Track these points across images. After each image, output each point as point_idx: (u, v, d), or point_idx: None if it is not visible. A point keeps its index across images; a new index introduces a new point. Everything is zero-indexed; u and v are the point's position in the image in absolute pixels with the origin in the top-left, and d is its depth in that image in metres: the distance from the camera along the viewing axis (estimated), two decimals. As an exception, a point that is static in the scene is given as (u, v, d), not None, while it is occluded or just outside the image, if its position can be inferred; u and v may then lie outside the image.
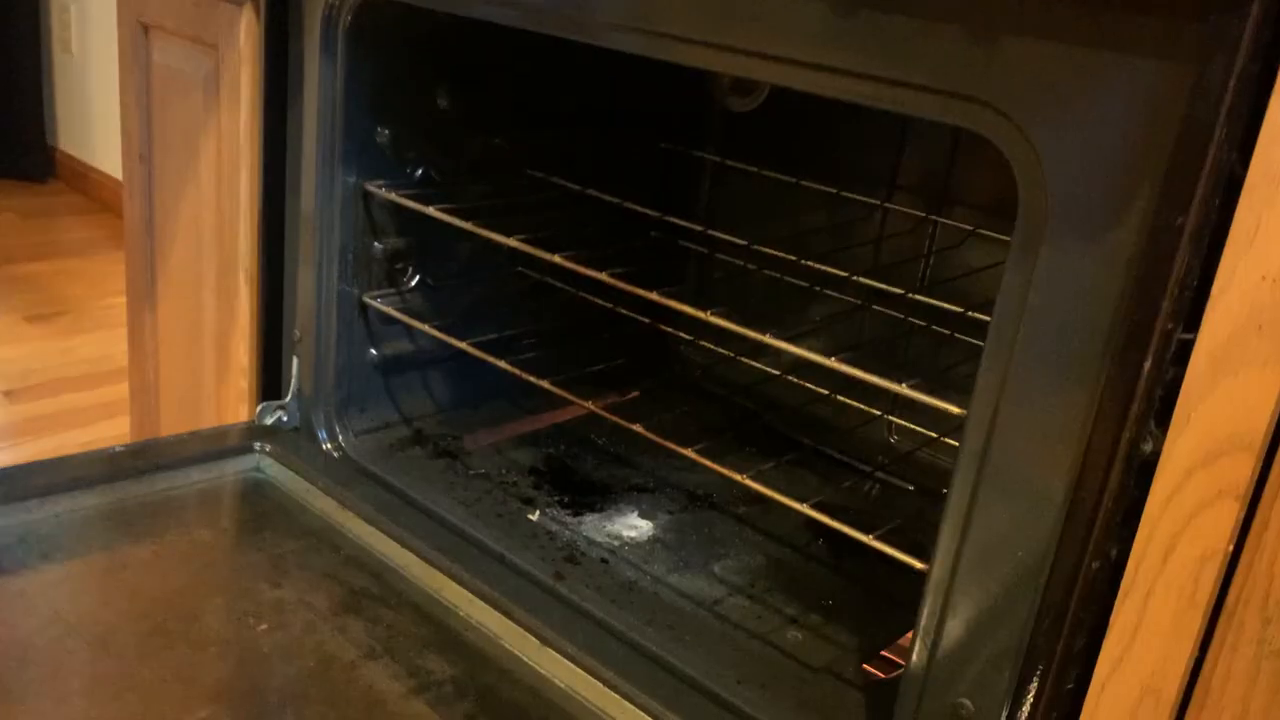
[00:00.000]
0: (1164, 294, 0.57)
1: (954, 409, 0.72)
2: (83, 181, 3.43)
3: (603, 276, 0.95)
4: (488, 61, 1.16)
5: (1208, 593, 0.59)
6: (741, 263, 1.28)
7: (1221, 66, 0.54)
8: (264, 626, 0.85)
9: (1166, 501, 0.60)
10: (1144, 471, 0.61)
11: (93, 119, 3.35)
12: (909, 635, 0.99)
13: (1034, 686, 0.67)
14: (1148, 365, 0.59)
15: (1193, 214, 0.56)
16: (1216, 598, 0.59)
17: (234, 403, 1.25)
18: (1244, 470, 0.57)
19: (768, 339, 0.84)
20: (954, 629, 0.70)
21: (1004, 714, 0.68)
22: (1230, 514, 0.58)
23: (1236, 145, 0.55)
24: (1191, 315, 0.58)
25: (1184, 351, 0.58)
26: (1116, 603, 0.62)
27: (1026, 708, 0.67)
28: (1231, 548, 0.58)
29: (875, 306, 1.18)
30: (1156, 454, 0.60)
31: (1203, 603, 0.59)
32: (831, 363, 0.80)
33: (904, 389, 0.76)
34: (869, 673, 0.91)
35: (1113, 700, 0.63)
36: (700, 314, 0.88)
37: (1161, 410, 0.60)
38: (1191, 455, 0.58)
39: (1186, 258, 0.57)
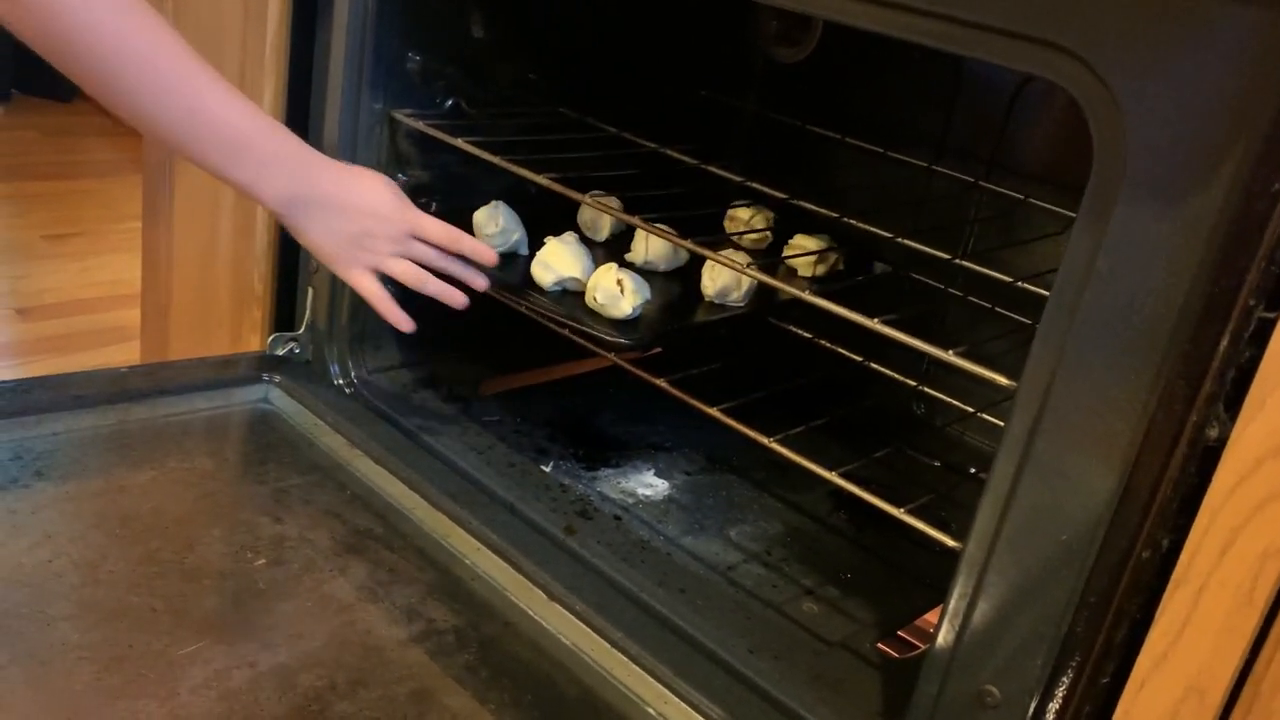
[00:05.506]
0: (1250, 266, 0.53)
1: (1003, 380, 0.67)
2: (108, 103, 3.39)
3: (636, 220, 0.91)
4: (526, -9, 1.12)
5: (1267, 591, 0.55)
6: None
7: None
8: (261, 561, 0.82)
9: (1230, 491, 0.56)
10: (1207, 458, 0.57)
11: (121, 40, 3.30)
12: (928, 616, 0.96)
13: (1068, 677, 0.63)
14: (1224, 343, 0.55)
15: (1290, 180, 0.51)
16: (1275, 597, 0.55)
17: (246, 333, 1.22)
18: (1319, 464, 0.53)
19: (791, 288, 0.80)
20: (986, 611, 0.66)
21: (1033, 704, 0.64)
22: (1300, 510, 0.53)
23: (1342, 108, 0.51)
24: (1276, 291, 0.53)
25: (1264, 330, 0.54)
26: (1165, 595, 0.58)
27: (1058, 700, 0.64)
28: (1298, 546, 0.54)
29: (914, 275, 1.13)
30: (1223, 440, 0.56)
31: (1261, 602, 0.55)
32: (873, 324, 0.76)
33: (951, 356, 0.72)
34: (883, 651, 0.87)
35: (1152, 697, 0.59)
36: (718, 258, 0.83)
37: (1232, 393, 0.56)
38: (1263, 444, 0.54)
39: (1278, 228, 0.52)
